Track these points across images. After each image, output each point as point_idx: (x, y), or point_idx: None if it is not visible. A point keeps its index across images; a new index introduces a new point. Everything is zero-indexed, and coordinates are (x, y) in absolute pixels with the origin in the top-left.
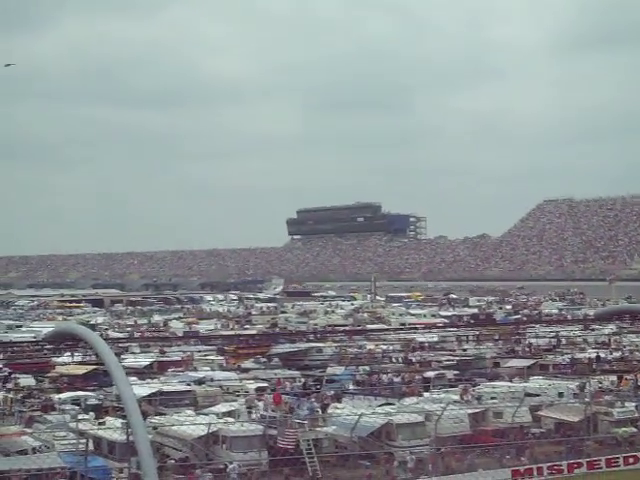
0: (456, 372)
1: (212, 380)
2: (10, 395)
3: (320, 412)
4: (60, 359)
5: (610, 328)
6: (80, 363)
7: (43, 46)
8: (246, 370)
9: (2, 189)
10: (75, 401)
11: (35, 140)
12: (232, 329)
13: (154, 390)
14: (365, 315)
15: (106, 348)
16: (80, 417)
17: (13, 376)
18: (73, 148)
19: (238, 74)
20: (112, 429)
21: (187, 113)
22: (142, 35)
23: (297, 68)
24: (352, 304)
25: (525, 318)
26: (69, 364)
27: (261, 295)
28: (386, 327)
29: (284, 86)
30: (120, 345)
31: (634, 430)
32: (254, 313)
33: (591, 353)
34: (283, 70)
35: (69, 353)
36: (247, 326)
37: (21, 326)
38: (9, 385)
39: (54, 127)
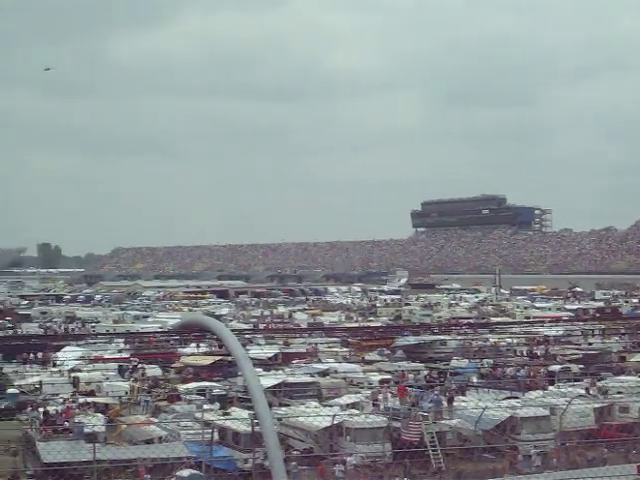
0: (581, 366)
1: (336, 372)
2: (137, 385)
3: (445, 405)
4: (186, 350)
5: None
6: (205, 354)
7: (166, 41)
8: (370, 362)
9: (129, 184)
10: (200, 391)
11: (158, 134)
12: (356, 321)
13: (279, 381)
14: (489, 308)
15: (233, 339)
16: (205, 407)
17: (140, 366)
18: (195, 142)
19: (359, 66)
20: (237, 419)
21: (308, 106)
22: (263, 28)
23: (419, 60)
24: (476, 297)
25: None
26: (195, 355)
27: (385, 287)
28: (511, 320)
29: (406, 78)
30: (245, 336)
31: None
32: (378, 305)
33: None
34: (405, 62)
35: (194, 344)
36: (371, 318)
37: (148, 317)
38: (136, 375)
39: (176, 121)
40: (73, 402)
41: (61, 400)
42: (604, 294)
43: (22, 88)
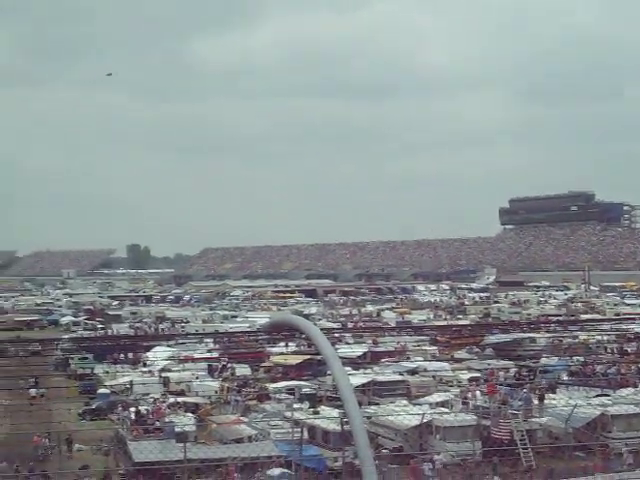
0: None
1: (425, 370)
2: (226, 384)
3: (535, 403)
4: (275, 349)
5: None
6: (294, 353)
7: (251, 42)
8: (459, 360)
9: (217, 185)
10: (290, 390)
11: (243, 134)
12: (444, 319)
13: (368, 380)
14: (579, 305)
15: (323, 338)
16: (295, 406)
17: (229, 366)
18: (280, 141)
19: (444, 64)
20: (327, 418)
21: (393, 105)
22: (350, 26)
23: (506, 57)
24: (565, 294)
25: None
26: (284, 354)
27: (474, 285)
28: (600, 317)
29: (493, 76)
30: (334, 335)
31: None
32: (467, 303)
33: None
34: (491, 60)
35: (283, 343)
36: (460, 316)
37: (236, 316)
38: (225, 374)
39: (262, 121)
40: (163, 402)
41: (152, 400)
42: None
43: (108, 90)
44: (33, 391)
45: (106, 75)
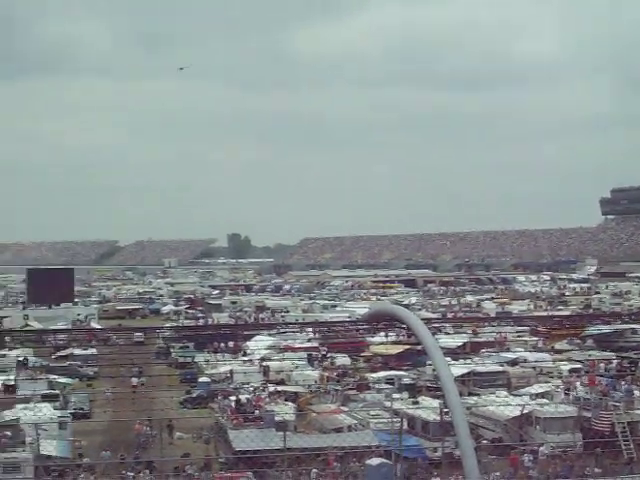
0: None
1: (526, 361)
2: (326, 374)
3: (637, 394)
4: (374, 339)
5: None
6: (394, 343)
7: (350, 32)
8: (560, 351)
9: (317, 174)
10: (389, 380)
11: (342, 124)
12: (545, 310)
13: (468, 370)
14: None
15: (424, 328)
16: (394, 396)
17: (329, 355)
18: (379, 130)
19: (544, 53)
20: (426, 408)
21: (492, 95)
22: (448, 16)
23: (606, 45)
24: None
25: None
26: (383, 344)
27: (574, 276)
28: None
29: (592, 64)
30: (433, 325)
31: None
32: (567, 294)
33: None
34: (591, 48)
35: (383, 333)
36: (560, 307)
37: (336, 306)
38: (325, 364)
39: (360, 110)
40: (263, 391)
41: (252, 389)
42: None
43: (210, 81)
44: (134, 380)
45: (179, 69)
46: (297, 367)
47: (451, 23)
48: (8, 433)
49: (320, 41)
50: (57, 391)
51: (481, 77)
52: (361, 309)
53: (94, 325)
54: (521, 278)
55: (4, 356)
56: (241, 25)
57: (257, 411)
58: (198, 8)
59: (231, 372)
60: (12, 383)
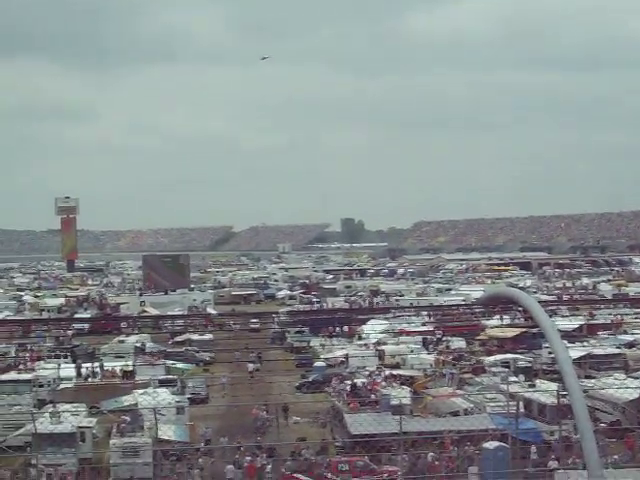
0: None
1: None
2: (441, 357)
3: None
4: (490, 322)
5: None
6: (509, 326)
7: (461, 15)
8: None
9: (428, 156)
10: (505, 363)
11: (455, 107)
12: None
13: (584, 353)
14: None
15: (541, 311)
16: (510, 379)
17: (444, 339)
18: (492, 113)
19: None
20: (543, 392)
21: (609, 75)
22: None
23: None
24: None
25: None
26: (499, 327)
27: None
28: None
29: None
30: (549, 308)
31: None
32: None
33: None
34: None
35: (498, 316)
36: None
37: (451, 289)
38: (440, 347)
39: (474, 93)
40: (379, 375)
41: (367, 373)
42: None
43: (321, 65)
44: (251, 366)
45: (261, 59)
46: (412, 351)
47: (565, 4)
48: (127, 418)
49: (432, 23)
50: (174, 376)
51: (593, 59)
52: (476, 292)
53: (210, 311)
54: (638, 260)
55: (122, 342)
56: (352, 8)
57: (373, 395)
58: None
59: (346, 356)
60: (130, 369)
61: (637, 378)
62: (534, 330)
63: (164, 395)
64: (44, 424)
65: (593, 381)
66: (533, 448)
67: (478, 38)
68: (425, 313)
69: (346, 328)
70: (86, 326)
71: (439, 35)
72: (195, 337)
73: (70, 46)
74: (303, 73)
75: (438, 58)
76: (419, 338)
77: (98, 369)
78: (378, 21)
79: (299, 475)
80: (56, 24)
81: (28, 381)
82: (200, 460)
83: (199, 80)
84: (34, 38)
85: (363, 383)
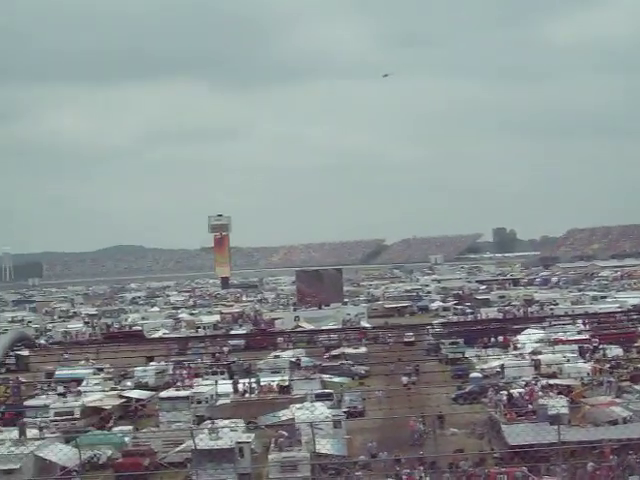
0: None
1: None
2: (598, 366)
3: None
4: None
5: None
6: None
7: (602, 20)
8: None
9: (580, 164)
10: None
11: (603, 113)
12: None
13: None
14: None
15: None
16: None
17: (601, 347)
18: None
19: None
20: None
21: None
22: None
23: None
24: None
25: None
26: None
27: None
28: None
29: None
30: None
31: None
32: None
33: None
34: None
35: None
36: None
37: (606, 297)
38: (597, 356)
39: (621, 98)
40: (535, 384)
41: (523, 383)
42: None
43: (461, 78)
44: (404, 379)
45: (383, 76)
46: (568, 360)
47: None
48: (285, 433)
49: (576, 29)
50: (330, 390)
51: None
52: (633, 299)
53: (364, 324)
54: None
55: (278, 357)
56: (492, 17)
57: (530, 405)
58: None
59: (502, 366)
60: (287, 384)
61: None
62: None
63: (321, 409)
64: (203, 440)
65: None
66: None
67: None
68: (580, 321)
69: (501, 338)
70: (242, 342)
71: (582, 41)
72: (350, 350)
73: (223, 67)
74: (446, 84)
75: (581, 64)
76: (575, 347)
77: (255, 384)
78: (521, 28)
79: None
80: (212, 46)
81: (186, 398)
82: (358, 473)
83: (344, 95)
84: (192, 60)
85: (520, 393)
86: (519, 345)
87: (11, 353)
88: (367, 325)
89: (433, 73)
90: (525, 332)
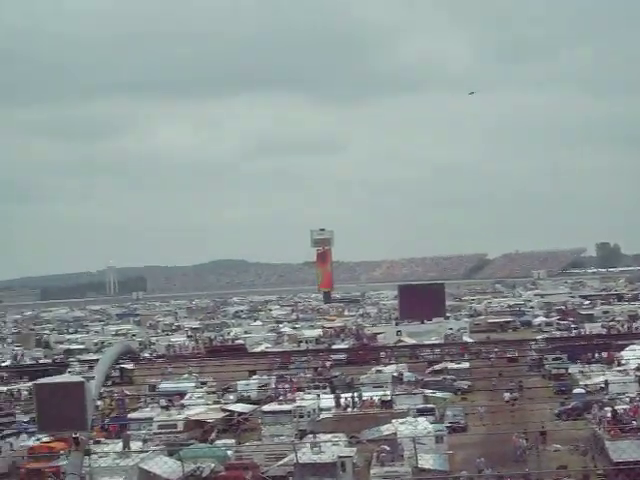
0: None
1: None
2: None
3: None
4: None
5: None
6: None
7: None
8: None
9: None
10: None
11: None
12: None
13: None
14: None
15: None
16: None
17: None
18: None
19: None
20: None
21: None
22: None
23: None
24: None
25: None
26: None
27: None
28: None
29: None
30: None
31: None
32: None
33: None
34: None
35: None
36: None
37: None
38: None
39: None
40: None
41: (628, 399)
42: None
43: (564, 90)
44: (507, 395)
45: (469, 94)
46: None
47: None
48: (387, 447)
49: None
50: (433, 405)
51: None
52: None
53: (466, 339)
54: None
55: (380, 372)
56: (602, 28)
57: (634, 421)
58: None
59: (606, 382)
60: (389, 398)
61: None
62: None
63: (423, 424)
64: (306, 454)
65: None
66: None
67: None
68: None
69: (605, 354)
70: (344, 356)
71: None
72: (452, 365)
73: (320, 81)
74: (549, 96)
75: None
76: None
77: (357, 399)
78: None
79: None
80: (309, 58)
81: (289, 412)
82: None
83: (442, 108)
84: (289, 73)
85: (624, 409)
86: (623, 361)
87: (116, 366)
88: (469, 340)
89: (533, 86)
90: (629, 348)
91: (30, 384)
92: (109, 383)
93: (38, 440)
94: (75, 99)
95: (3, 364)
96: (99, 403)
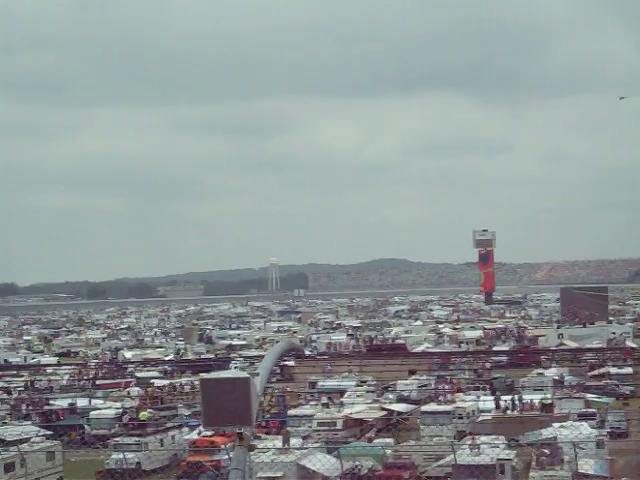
0: None
1: None
2: None
3: None
4: None
5: None
6: None
7: None
8: None
9: None
10: None
11: None
12: None
13: None
14: None
15: None
16: None
17: None
18: None
19: None
20: None
21: None
22: None
23: None
24: None
25: None
26: None
27: None
28: None
29: None
30: None
31: None
32: None
33: None
34: None
35: None
36: None
37: None
38: None
39: None
40: None
41: None
42: None
43: None
44: None
45: (619, 99)
46: None
47: None
48: (547, 451)
49: None
50: (594, 409)
51: None
52: None
53: (629, 344)
54: None
55: (541, 374)
56: None
57: None
58: None
59: None
60: (549, 402)
61: None
62: None
63: (583, 429)
64: (464, 455)
65: None
66: None
67: None
68: None
69: None
70: (504, 358)
71: None
72: (614, 370)
73: (484, 80)
74: None
75: None
76: None
77: (517, 401)
78: None
79: None
80: (472, 59)
81: (448, 412)
82: None
83: (613, 109)
84: (451, 74)
85: None
86: None
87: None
88: (633, 345)
89: None
90: None
91: (193, 378)
92: (274, 380)
93: (199, 434)
94: (250, 98)
95: (167, 358)
96: (262, 399)
